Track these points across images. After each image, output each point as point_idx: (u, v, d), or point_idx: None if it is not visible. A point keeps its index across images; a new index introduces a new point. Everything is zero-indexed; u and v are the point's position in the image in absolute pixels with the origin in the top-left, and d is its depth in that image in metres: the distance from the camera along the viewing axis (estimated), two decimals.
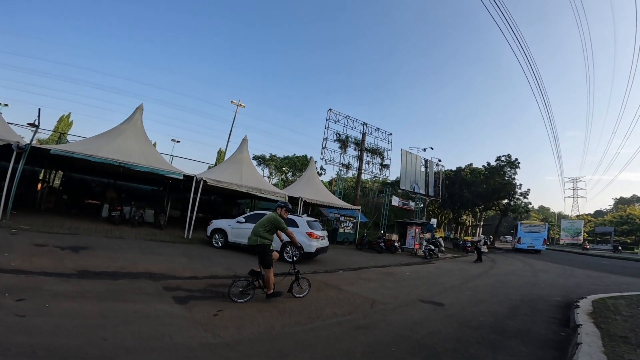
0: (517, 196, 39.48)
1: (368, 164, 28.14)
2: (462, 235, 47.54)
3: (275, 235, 5.70)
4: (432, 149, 30.80)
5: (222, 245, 10.85)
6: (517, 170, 38.71)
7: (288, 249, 9.91)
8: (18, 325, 3.21)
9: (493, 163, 39.65)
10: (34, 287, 4.51)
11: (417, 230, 19.83)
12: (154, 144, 30.90)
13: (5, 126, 11.33)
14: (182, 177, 12.69)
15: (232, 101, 31.66)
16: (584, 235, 52.11)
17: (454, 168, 42.08)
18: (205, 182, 12.51)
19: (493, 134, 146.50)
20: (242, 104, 32.38)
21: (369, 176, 29.44)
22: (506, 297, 7.58)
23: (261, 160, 44.09)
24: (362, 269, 10.76)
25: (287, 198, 14.76)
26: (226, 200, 24.63)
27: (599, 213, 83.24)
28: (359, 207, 21.08)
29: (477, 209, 45.41)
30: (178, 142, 42.89)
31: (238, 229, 10.60)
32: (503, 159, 39.24)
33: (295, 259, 9.70)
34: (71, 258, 6.71)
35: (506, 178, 38.12)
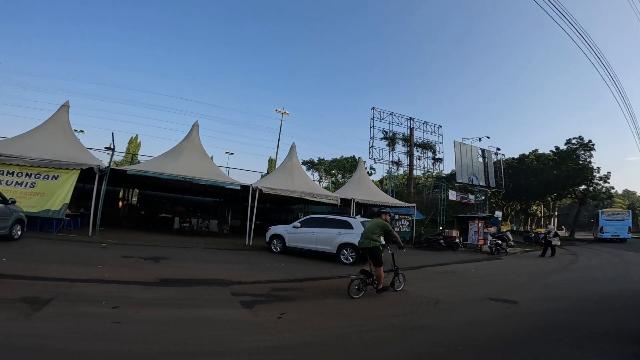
0: (595, 181, 35.08)
1: (419, 159, 27.17)
2: (533, 227, 43.37)
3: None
4: (488, 137, 28.98)
5: (280, 250, 11.28)
6: (593, 152, 34.46)
7: (344, 251, 9.98)
8: (116, 332, 3.65)
9: (563, 147, 35.76)
10: (125, 295, 5.12)
11: (479, 224, 18.58)
12: (211, 158, 33.31)
13: (86, 151, 13.09)
14: (239, 188, 13.49)
15: (276, 110, 32.91)
16: None
17: (515, 156, 38.74)
18: (260, 190, 13.14)
19: (557, 117, 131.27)
20: (287, 112, 33.51)
21: (422, 172, 28.48)
22: (592, 293, 6.85)
23: (310, 165, 44.86)
24: (422, 267, 10.42)
25: (339, 200, 14.88)
26: (281, 207, 25.53)
27: None
28: (414, 205, 20.40)
29: (549, 198, 41.18)
30: (232, 154, 45.80)
31: (295, 233, 10.95)
32: (574, 141, 35.23)
33: (351, 260, 9.78)
34: (153, 268, 7.51)
35: (580, 162, 34.09)
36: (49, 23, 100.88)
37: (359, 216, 12.36)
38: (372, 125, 25.26)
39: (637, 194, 75.06)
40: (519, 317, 4.89)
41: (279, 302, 5.52)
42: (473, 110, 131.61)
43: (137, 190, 24.38)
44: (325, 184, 41.09)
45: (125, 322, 3.95)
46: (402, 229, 19.51)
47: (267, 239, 11.72)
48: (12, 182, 10.46)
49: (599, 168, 34.82)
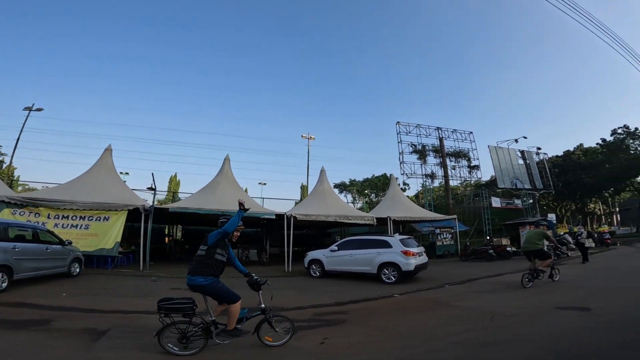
0: None
1: (454, 169, 26.25)
2: (594, 226, 39.44)
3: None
4: (525, 138, 27.28)
5: (319, 274, 11.11)
6: None
7: (385, 270, 9.65)
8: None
9: (609, 138, 33.05)
10: None
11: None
12: (245, 190, 34.37)
13: (131, 192, 14.05)
14: (274, 217, 13.70)
15: (302, 135, 33.58)
16: None
17: (559, 153, 36.16)
18: (295, 217, 13.27)
19: (597, 108, 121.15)
20: (312, 136, 34.10)
21: (458, 181, 27.40)
22: None
23: (342, 187, 44.79)
24: (472, 280, 9.75)
25: (374, 220, 14.58)
26: (318, 232, 25.44)
27: None
28: (455, 216, 19.47)
29: (607, 194, 37.61)
30: (264, 184, 47.13)
31: (332, 257, 10.79)
32: (620, 131, 32.54)
33: (393, 279, 9.39)
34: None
35: (632, 152, 31.20)
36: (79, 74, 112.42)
37: (397, 234, 11.98)
38: (399, 140, 24.95)
39: None
40: (599, 327, 4.29)
41: (320, 327, 5.38)
42: (502, 115, 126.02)
43: (181, 226, 25.58)
44: (359, 205, 40.65)
45: (176, 352, 3.99)
46: (445, 243, 18.60)
47: (306, 264, 11.63)
48: (68, 224, 11.38)
49: None
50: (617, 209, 46.99)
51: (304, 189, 43.53)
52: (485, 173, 32.57)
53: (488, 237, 20.13)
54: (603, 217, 46.25)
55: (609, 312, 5.02)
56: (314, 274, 11.29)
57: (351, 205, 31.14)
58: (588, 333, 4.03)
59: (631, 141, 32.07)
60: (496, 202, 25.12)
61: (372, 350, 4.15)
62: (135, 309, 6.12)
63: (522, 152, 27.17)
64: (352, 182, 44.57)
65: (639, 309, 5.15)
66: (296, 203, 21.01)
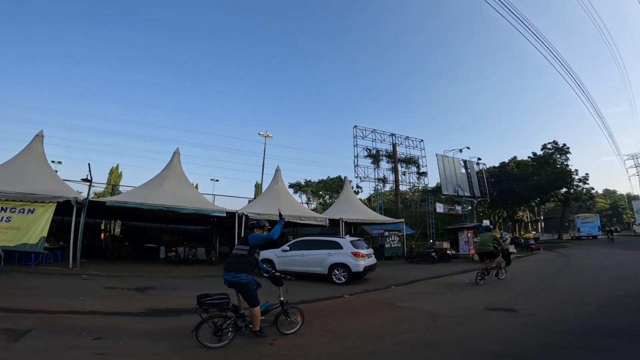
0: (575, 183, 36.26)
1: (404, 175, 27.55)
2: (522, 232, 43.93)
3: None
4: (468, 148, 29.51)
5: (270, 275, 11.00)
6: (569, 156, 35.88)
7: (336, 271, 9.81)
8: None
9: (539, 152, 37.10)
10: (108, 326, 4.82)
11: (469, 234, 18.69)
12: (196, 186, 32.76)
13: (62, 183, 12.69)
14: (225, 214, 13.25)
15: (259, 133, 32.92)
16: None
17: (496, 164, 39.77)
18: (247, 216, 12.99)
19: (533, 123, 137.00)
20: (270, 135, 33.58)
21: (407, 187, 28.82)
22: (592, 295, 6.75)
23: (297, 187, 44.80)
24: (416, 282, 10.30)
25: (327, 221, 14.78)
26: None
27: None
28: (402, 220, 20.45)
29: (533, 203, 42.10)
30: (217, 181, 45.34)
31: (284, 257, 10.71)
32: (549, 146, 36.69)
33: (343, 279, 9.59)
34: (138, 298, 7.19)
35: (558, 166, 35.33)
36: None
37: (348, 236, 12.25)
38: (355, 144, 25.52)
39: (618, 193, 77.59)
40: (523, 327, 4.73)
41: (272, 327, 5.29)
42: (450, 124, 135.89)
43: (120, 222, 23.66)
44: (313, 206, 40.95)
45: (108, 353, 3.72)
46: (393, 245, 19.41)
47: None
48: None
49: (576, 170, 36.15)
50: (542, 217, 52.85)
51: (258, 187, 42.71)
52: (432, 180, 34.70)
53: (431, 241, 21.43)
54: (529, 224, 51.69)
55: (532, 313, 5.55)
56: (265, 275, 11.12)
57: (305, 205, 31.25)
58: (515, 334, 4.43)
59: (558, 156, 36.21)
60: (440, 207, 26.83)
61: (320, 350, 4.18)
62: (61, 308, 5.56)
63: (464, 161, 29.33)
64: (308, 183, 44.79)
65: (557, 310, 5.73)
66: (249, 201, 20.56)
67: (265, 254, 11.37)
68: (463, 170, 28.83)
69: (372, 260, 10.60)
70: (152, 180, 14.03)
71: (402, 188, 28.81)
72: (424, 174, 28.23)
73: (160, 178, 13.89)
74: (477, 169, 30.55)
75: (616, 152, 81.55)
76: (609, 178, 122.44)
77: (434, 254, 16.59)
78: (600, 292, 7.03)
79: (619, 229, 38.82)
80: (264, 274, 5.04)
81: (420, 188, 32.39)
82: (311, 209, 34.99)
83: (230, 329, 4.19)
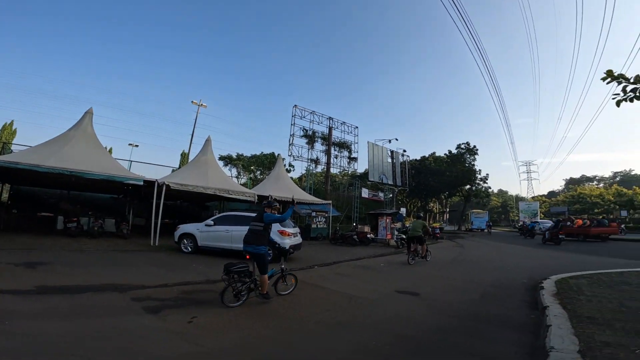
0: (477, 181, 41.72)
1: (336, 158, 28.30)
2: (430, 222, 49.39)
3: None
4: (397, 139, 31.50)
5: (192, 250, 10.45)
6: (476, 157, 40.96)
7: None
8: None
9: (454, 151, 41.56)
10: None
11: (387, 220, 20.26)
12: (109, 150, 29.04)
13: None
14: (142, 183, 12.05)
15: (192, 101, 30.57)
16: (540, 216, 55.86)
17: (418, 157, 43.48)
18: (168, 186, 11.99)
19: (454, 123, 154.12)
20: (204, 104, 31.35)
21: (338, 170, 29.72)
22: (478, 283, 7.73)
23: (228, 160, 42.82)
24: (337, 263, 10.81)
25: (256, 197, 14.52)
26: (195, 204, 23.74)
27: (552, 194, 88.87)
28: (330, 202, 21.16)
29: (443, 196, 47.44)
30: (136, 146, 41.04)
31: (207, 232, 10.26)
32: (463, 146, 41.30)
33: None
34: (28, 274, 6.28)
35: (467, 165, 40.13)
36: None
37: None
38: (293, 123, 25.29)
39: (509, 193, 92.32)
40: (423, 310, 5.34)
41: (188, 306, 5.08)
42: (384, 114, 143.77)
43: (9, 185, 19.81)
44: (243, 180, 39.73)
45: None
46: (319, 226, 20.07)
47: (176, 239, 10.74)
48: None
49: (480, 170, 41.61)
50: (448, 209, 59.97)
51: (184, 157, 39.71)
52: (361, 166, 36.42)
53: (354, 224, 22.70)
54: (438, 214, 58.29)
55: (432, 297, 6.30)
56: (185, 250, 10.54)
57: (235, 180, 30.18)
58: (416, 316, 4.99)
59: (468, 156, 41.07)
60: (365, 192, 28.44)
61: (240, 329, 4.15)
62: None
63: (392, 151, 31.34)
64: (240, 157, 43.05)
65: (451, 295, 6.56)
66: (173, 171, 19.04)
67: (186, 227, 10.75)
68: (389, 160, 30.75)
69: (298, 239, 10.80)
70: (54, 139, 11.97)
71: (333, 171, 29.67)
72: (355, 159, 29.37)
73: (64, 138, 11.91)
74: (401, 160, 32.95)
75: (513, 158, 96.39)
76: (504, 180, 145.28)
77: (355, 236, 17.62)
78: (483, 281, 8.09)
79: (490, 225, 46.19)
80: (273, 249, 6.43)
81: (349, 173, 33.78)
82: (241, 184, 33.96)
83: (245, 291, 5.16)
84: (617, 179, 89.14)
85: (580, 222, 22.71)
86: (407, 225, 17.63)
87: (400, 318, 4.88)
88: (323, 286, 7.03)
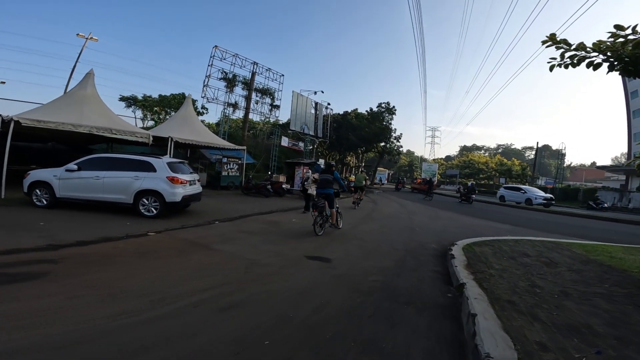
0: (392, 139, 43.94)
1: (257, 104, 26.25)
2: (347, 175, 51.17)
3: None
4: (322, 92, 30.35)
5: (47, 203, 7.97)
6: (394, 116, 42.71)
7: (144, 200, 7.89)
8: None
9: (375, 109, 42.52)
10: None
11: (304, 170, 19.46)
12: None
13: None
14: None
15: (78, 34, 24.70)
16: (437, 177, 62.50)
17: (341, 112, 43.31)
18: (18, 122, 8.91)
19: (377, 83, 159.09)
20: (95, 38, 25.49)
21: (259, 117, 27.80)
22: (391, 247, 7.10)
23: (132, 101, 36.26)
24: (244, 217, 9.58)
25: (151, 138, 12.00)
26: (74, 148, 19.29)
27: (448, 158, 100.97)
28: (244, 147, 19.28)
29: (360, 151, 49.03)
30: (3, 83, 32.60)
31: (69, 179, 7.83)
32: (383, 105, 42.48)
33: (154, 212, 7.88)
34: None
35: (384, 123, 41.67)
36: None
37: (167, 156, 10.16)
38: (210, 64, 22.58)
39: (415, 154, 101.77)
40: (335, 284, 4.39)
41: (9, 283, 3.45)
42: (312, 67, 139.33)
43: None
44: (150, 123, 34.48)
45: None
46: (230, 174, 18.32)
47: (26, 189, 8.06)
48: None
49: (395, 129, 43.67)
50: (363, 164, 62.95)
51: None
52: (284, 115, 34.50)
53: (269, 173, 21.50)
54: (353, 169, 60.81)
55: (344, 264, 5.41)
56: (38, 203, 8.03)
57: (126, 119, 25.50)
58: (325, 292, 4.03)
59: (387, 114, 42.55)
60: (285, 141, 27.17)
61: (65, 319, 2.80)
62: None
63: (316, 103, 30.19)
64: (147, 98, 36.56)
65: (367, 262, 5.71)
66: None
67: (38, 174, 8.13)
68: (313, 111, 29.77)
69: (197, 188, 9.10)
70: None
71: (255, 118, 27.58)
72: (277, 107, 27.69)
73: None
74: (325, 113, 32.15)
75: (424, 122, 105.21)
76: (413, 142, 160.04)
77: (269, 186, 16.50)
78: (395, 243, 7.51)
79: (399, 180, 50.45)
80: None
81: (271, 121, 31.69)
82: (146, 127, 29.18)
83: (323, 223, 7.61)
84: (500, 150, 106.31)
85: (419, 180, 33.51)
86: (352, 182, 18.77)
87: (304, 295, 3.89)
88: (218, 248, 5.78)
